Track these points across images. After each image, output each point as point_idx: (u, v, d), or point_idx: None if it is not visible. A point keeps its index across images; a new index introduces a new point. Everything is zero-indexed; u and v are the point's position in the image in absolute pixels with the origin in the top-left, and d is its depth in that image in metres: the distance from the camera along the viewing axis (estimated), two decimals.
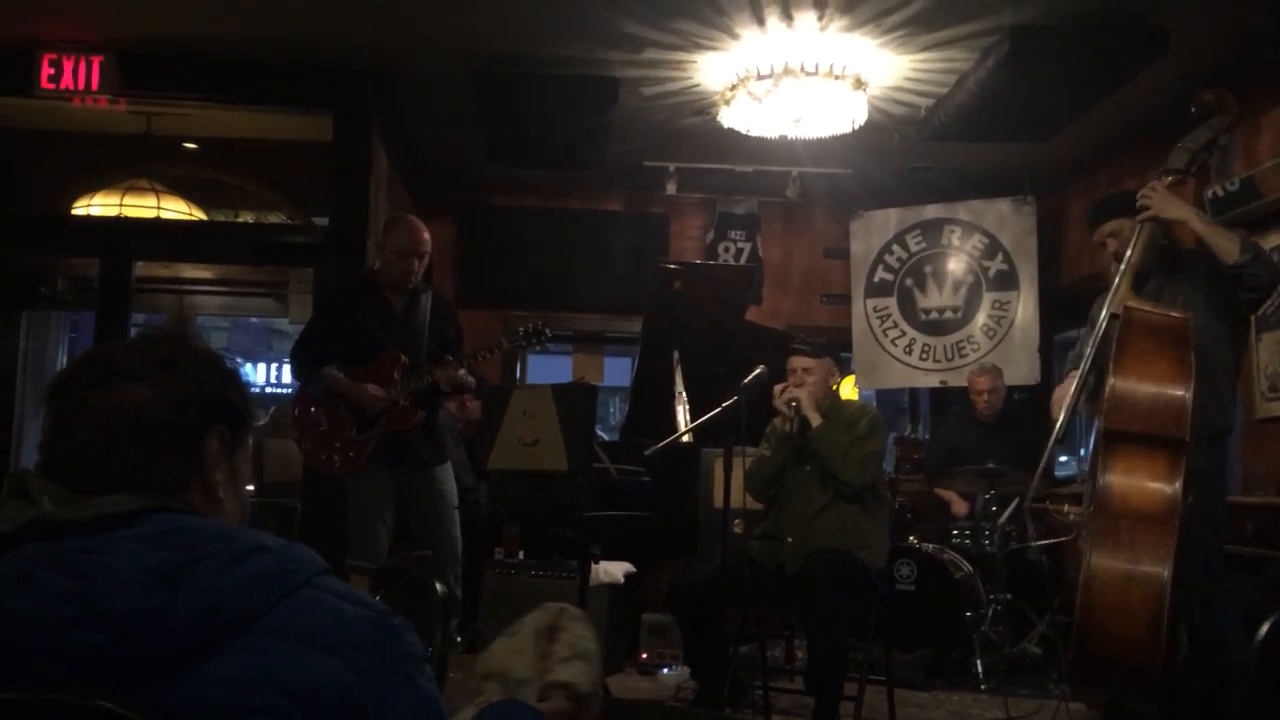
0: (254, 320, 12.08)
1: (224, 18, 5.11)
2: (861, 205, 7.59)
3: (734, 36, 5.13)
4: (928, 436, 7.79)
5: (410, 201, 6.85)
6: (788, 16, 4.91)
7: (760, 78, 5.29)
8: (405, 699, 1.08)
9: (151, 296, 7.45)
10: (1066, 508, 5.21)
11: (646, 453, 4.67)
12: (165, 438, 1.15)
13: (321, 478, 4.81)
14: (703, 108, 6.01)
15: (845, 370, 6.29)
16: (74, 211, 6.46)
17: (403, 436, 4.41)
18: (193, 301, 7.93)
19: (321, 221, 6.19)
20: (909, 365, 7.46)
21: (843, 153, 6.54)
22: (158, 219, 6.41)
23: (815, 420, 4.05)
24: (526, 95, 5.53)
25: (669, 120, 6.32)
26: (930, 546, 5.38)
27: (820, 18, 4.91)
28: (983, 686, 4.85)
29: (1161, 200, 3.45)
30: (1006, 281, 7.25)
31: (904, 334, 7.48)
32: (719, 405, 4.19)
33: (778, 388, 4.14)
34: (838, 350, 4.64)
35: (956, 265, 7.40)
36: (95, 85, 5.40)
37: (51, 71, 5.38)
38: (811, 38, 5.10)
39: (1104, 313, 3.44)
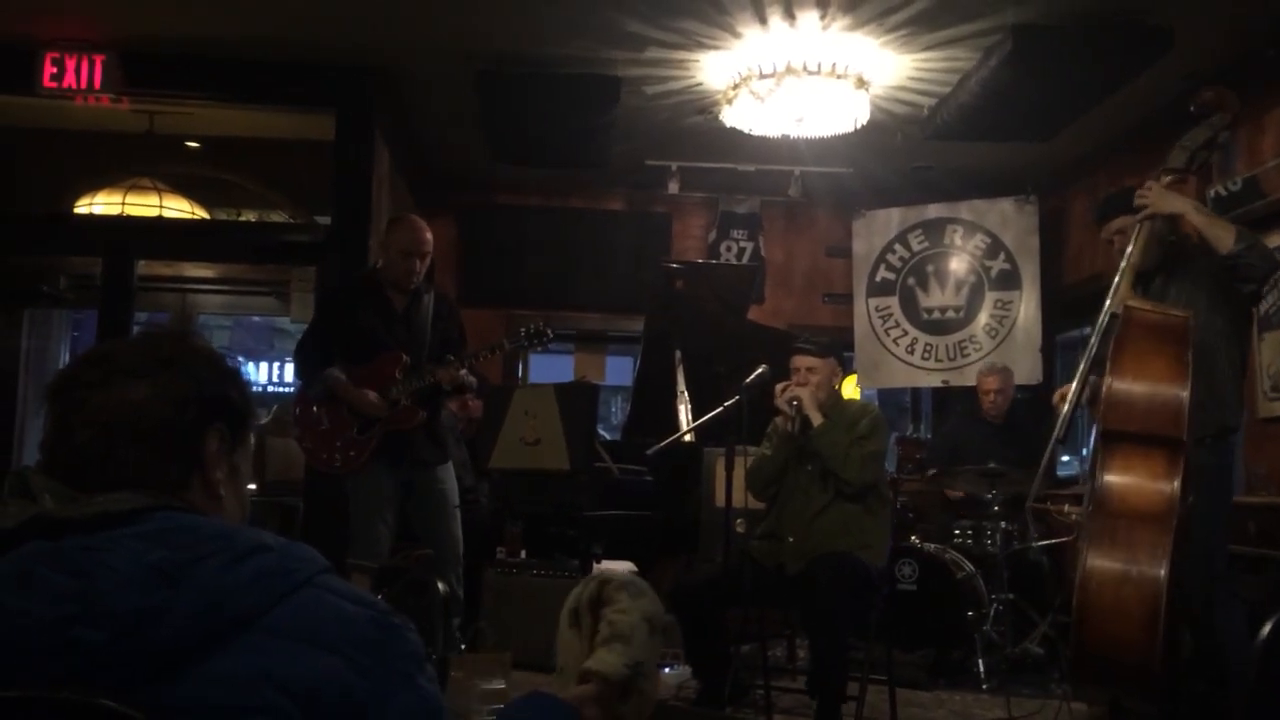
0: (256, 319, 12.09)
1: (226, 17, 5.11)
2: (864, 204, 7.59)
3: (736, 35, 5.13)
4: (929, 436, 7.79)
5: (412, 201, 6.86)
6: (790, 15, 4.91)
7: (763, 77, 5.29)
8: (406, 698, 1.08)
9: (154, 295, 7.46)
10: (1067, 508, 5.22)
11: (648, 452, 4.67)
12: (165, 437, 1.15)
13: (323, 477, 4.82)
14: (705, 107, 6.01)
15: (847, 370, 6.28)
16: (76, 210, 6.47)
17: (404, 436, 4.41)
18: (195, 300, 7.94)
19: (323, 220, 6.19)
20: (911, 365, 7.46)
21: (845, 152, 6.54)
22: (160, 218, 6.42)
23: (816, 419, 4.05)
24: (528, 94, 5.53)
25: (671, 119, 6.32)
26: (932, 546, 5.37)
27: (823, 17, 4.91)
28: (984, 686, 4.84)
29: (1158, 197, 3.46)
30: (1009, 281, 7.25)
31: (906, 333, 7.47)
32: (721, 405, 4.19)
33: (779, 386, 4.14)
34: (841, 350, 4.64)
35: (959, 265, 7.39)
36: (98, 84, 5.40)
37: (54, 70, 5.38)
38: (814, 37, 5.10)
39: (1104, 312, 3.45)
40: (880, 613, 4.02)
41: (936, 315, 7.43)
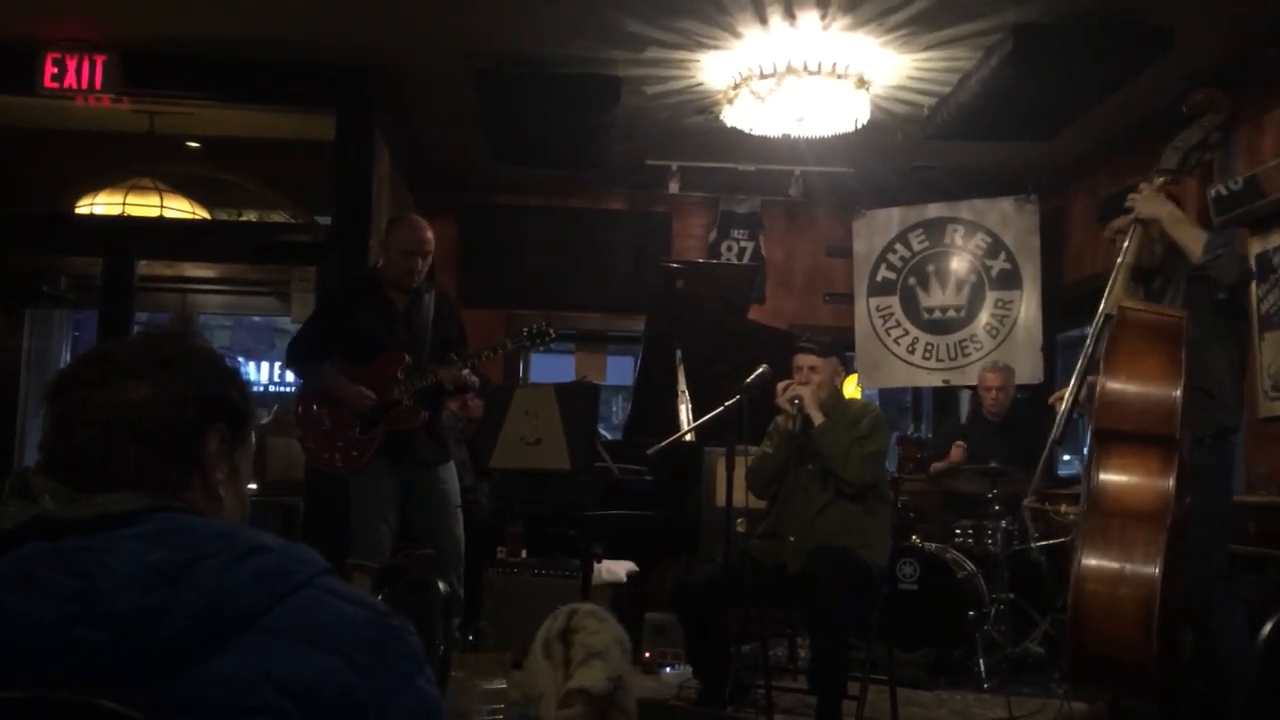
0: (256, 319, 12.07)
1: (227, 17, 5.11)
2: (864, 204, 7.58)
3: (737, 35, 5.13)
4: (930, 435, 7.79)
5: (412, 200, 6.86)
6: (790, 15, 4.91)
7: (763, 77, 5.28)
8: (406, 699, 1.08)
9: (154, 295, 7.46)
10: (1064, 507, 5.22)
11: (649, 452, 4.67)
12: (165, 437, 1.15)
13: (324, 476, 4.81)
14: (705, 107, 6.01)
15: (848, 369, 6.28)
16: (77, 210, 6.47)
17: (406, 436, 4.41)
18: (195, 300, 7.94)
19: (324, 220, 6.19)
20: (912, 364, 7.46)
21: (845, 151, 6.54)
22: (160, 218, 6.42)
23: (818, 418, 4.06)
24: (528, 94, 5.53)
25: (672, 119, 6.32)
26: (933, 546, 5.38)
27: (823, 16, 4.91)
28: (985, 686, 4.84)
29: (1144, 201, 3.54)
30: (1009, 280, 7.25)
31: (907, 333, 7.47)
32: (722, 404, 4.19)
33: (781, 385, 4.15)
34: (842, 349, 4.64)
35: (959, 264, 7.39)
36: (98, 84, 5.40)
37: (55, 70, 5.38)
38: (814, 37, 5.10)
39: (1099, 313, 3.48)
40: (881, 612, 4.02)
41: (937, 315, 7.43)
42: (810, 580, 3.82)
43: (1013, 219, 7.27)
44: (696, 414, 5.40)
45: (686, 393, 5.93)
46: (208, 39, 5.37)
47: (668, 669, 5.10)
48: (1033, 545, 5.34)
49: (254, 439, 1.31)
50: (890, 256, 7.54)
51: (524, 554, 5.38)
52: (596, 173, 7.03)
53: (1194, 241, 3.48)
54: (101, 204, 6.48)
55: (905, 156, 6.88)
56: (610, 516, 4.83)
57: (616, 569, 5.29)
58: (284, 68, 5.64)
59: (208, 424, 1.19)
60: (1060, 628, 4.90)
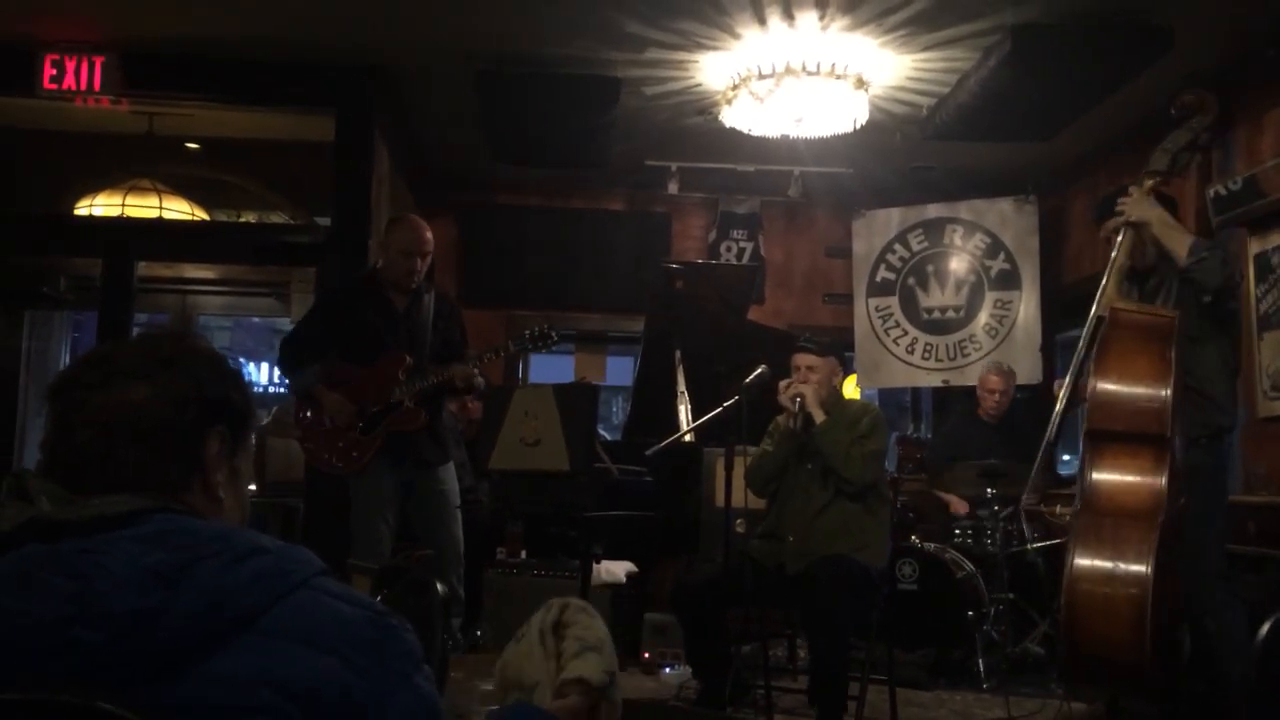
0: (256, 320, 12.10)
1: (226, 17, 5.11)
2: (863, 204, 7.59)
3: (735, 36, 5.13)
4: (930, 436, 7.79)
5: (412, 201, 6.86)
6: (789, 16, 4.91)
7: (762, 77, 5.29)
8: (404, 698, 1.08)
9: (154, 296, 7.47)
10: (1059, 508, 5.23)
11: (648, 452, 4.67)
12: (165, 438, 1.15)
13: (324, 477, 4.82)
14: (704, 107, 6.01)
15: (847, 370, 6.29)
16: (76, 211, 6.47)
17: (407, 436, 4.42)
18: (195, 301, 7.94)
19: (323, 221, 6.19)
20: (911, 365, 7.46)
21: (844, 152, 6.54)
22: (160, 219, 6.42)
23: (819, 417, 4.06)
24: (528, 94, 5.53)
25: (671, 120, 6.32)
26: (932, 546, 5.37)
27: (822, 17, 4.91)
28: (985, 686, 4.84)
29: (1133, 204, 3.58)
30: (1008, 281, 7.25)
31: (906, 333, 7.48)
32: (721, 405, 4.19)
33: (782, 383, 4.15)
34: (842, 350, 4.64)
35: (958, 264, 7.39)
36: (97, 85, 5.41)
37: (54, 72, 5.38)
38: (813, 37, 5.10)
39: (1091, 315, 3.50)
40: (881, 612, 4.02)
41: (936, 315, 7.43)
42: (810, 581, 3.82)
43: (1012, 219, 7.27)
44: (696, 414, 5.40)
45: (686, 393, 5.94)
46: (207, 39, 5.37)
47: (667, 669, 5.10)
48: (1029, 547, 5.34)
49: (254, 440, 1.31)
50: (889, 257, 7.55)
51: (524, 555, 5.38)
52: (596, 173, 7.04)
53: (1179, 245, 3.52)
54: (100, 205, 6.48)
55: (904, 157, 6.89)
56: (610, 517, 4.82)
57: (616, 569, 5.29)
58: (283, 68, 5.63)
59: (208, 426, 1.19)
60: (1059, 628, 4.91)
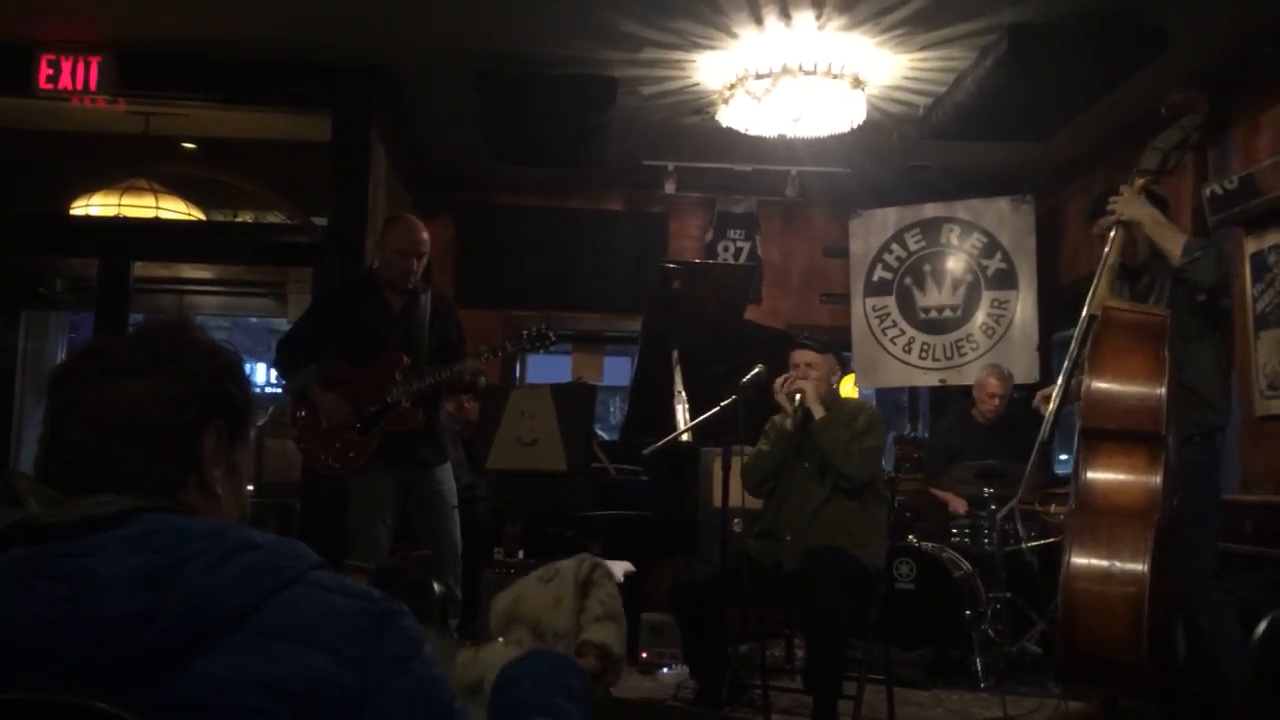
0: (253, 320, 12.08)
1: (223, 17, 5.10)
2: (860, 204, 7.59)
3: (732, 36, 5.13)
4: (927, 435, 7.80)
5: (409, 201, 6.85)
6: (786, 16, 4.91)
7: (759, 77, 5.29)
8: (402, 683, 1.06)
9: (151, 297, 7.46)
10: (1054, 508, 5.24)
11: (645, 452, 4.67)
12: (163, 435, 1.13)
13: (321, 478, 4.81)
14: (701, 107, 6.01)
15: (845, 369, 6.29)
16: (72, 212, 6.46)
17: (404, 436, 4.41)
18: (192, 301, 7.94)
19: (320, 221, 6.19)
20: (908, 364, 7.47)
21: (841, 152, 6.55)
22: (156, 219, 6.41)
23: (819, 412, 4.07)
24: (527, 94, 5.53)
25: (668, 119, 6.32)
26: (929, 545, 5.38)
27: (818, 17, 4.91)
28: (982, 685, 4.84)
29: (1124, 203, 3.61)
30: (1005, 280, 7.26)
31: (903, 333, 7.48)
32: (718, 405, 4.20)
33: (779, 380, 4.15)
34: (840, 349, 4.64)
35: (955, 264, 7.40)
36: (93, 85, 5.39)
37: (50, 72, 5.37)
38: (810, 37, 5.10)
39: (1084, 314, 3.51)
40: (878, 612, 4.02)
41: (933, 314, 7.43)
42: (807, 580, 3.82)
43: (1009, 219, 7.28)
44: (693, 414, 5.40)
45: (683, 393, 5.94)
46: (204, 39, 5.36)
47: (665, 669, 5.10)
48: (1024, 546, 5.35)
49: (252, 435, 1.29)
50: (886, 256, 7.55)
51: (521, 554, 5.37)
52: (593, 173, 7.04)
53: (1173, 244, 3.54)
54: (97, 205, 6.46)
55: (901, 157, 6.89)
56: (607, 517, 4.83)
57: (613, 569, 5.29)
58: (281, 68, 5.63)
59: (206, 421, 1.17)
60: (1056, 627, 4.91)
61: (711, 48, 5.28)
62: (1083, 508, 3.15)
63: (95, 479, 1.10)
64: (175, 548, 1.02)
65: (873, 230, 7.60)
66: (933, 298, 7.43)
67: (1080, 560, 3.03)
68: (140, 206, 6.45)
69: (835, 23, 4.97)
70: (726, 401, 4.09)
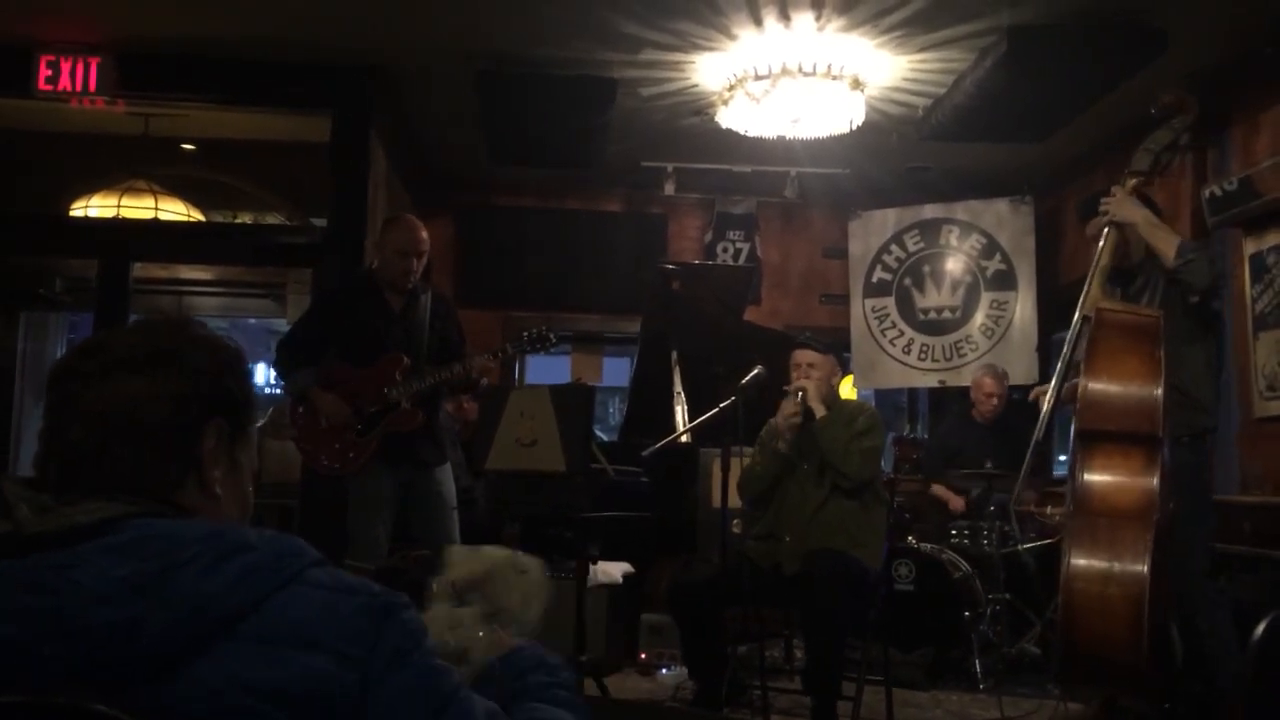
0: (252, 321, 12.07)
1: (223, 18, 5.10)
2: (860, 205, 7.59)
3: (731, 37, 5.13)
4: (926, 436, 7.80)
5: (409, 201, 6.86)
6: (785, 17, 4.91)
7: (758, 78, 5.29)
8: (402, 678, 1.05)
9: (150, 297, 7.45)
10: (1049, 509, 5.24)
11: (644, 453, 4.66)
12: (162, 435, 1.11)
13: (320, 478, 4.81)
14: (701, 108, 6.01)
15: (844, 370, 6.29)
16: (72, 212, 6.46)
17: (404, 437, 4.41)
18: (191, 302, 7.93)
19: (320, 222, 6.18)
20: (907, 365, 7.47)
21: (841, 153, 6.55)
22: (156, 220, 6.41)
23: (820, 411, 4.08)
24: (527, 95, 5.53)
25: (667, 120, 6.32)
26: (929, 546, 5.38)
27: (818, 18, 4.91)
28: (981, 686, 4.85)
29: (1117, 205, 3.62)
30: (1004, 281, 7.26)
31: (902, 334, 7.48)
32: (718, 405, 4.20)
33: (781, 408, 4.15)
34: (841, 350, 4.65)
35: (955, 265, 7.40)
36: (93, 87, 5.39)
37: (49, 73, 5.37)
38: (809, 38, 5.10)
39: (1076, 316, 3.51)
40: (877, 613, 4.02)
41: (933, 316, 7.43)
42: (806, 580, 3.82)
43: (1008, 220, 7.28)
44: (692, 415, 5.40)
45: (682, 394, 5.94)
46: (203, 40, 5.36)
47: (664, 670, 5.11)
48: (1020, 548, 5.35)
49: (254, 432, 1.27)
50: (886, 258, 7.55)
51: None
52: (593, 173, 7.04)
53: (1167, 246, 3.55)
54: (96, 206, 6.47)
55: (900, 158, 6.89)
56: (606, 518, 4.81)
57: (613, 570, 5.29)
58: (281, 69, 5.62)
59: (206, 419, 1.15)
60: (1055, 628, 4.91)
61: (711, 49, 5.28)
62: (1081, 509, 3.16)
63: (94, 479, 1.09)
64: (166, 554, 1.01)
65: (872, 231, 7.60)
66: (932, 299, 7.44)
67: (1080, 561, 3.03)
68: (140, 207, 6.45)
69: (834, 24, 4.97)
70: (726, 402, 4.09)
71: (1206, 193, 5.27)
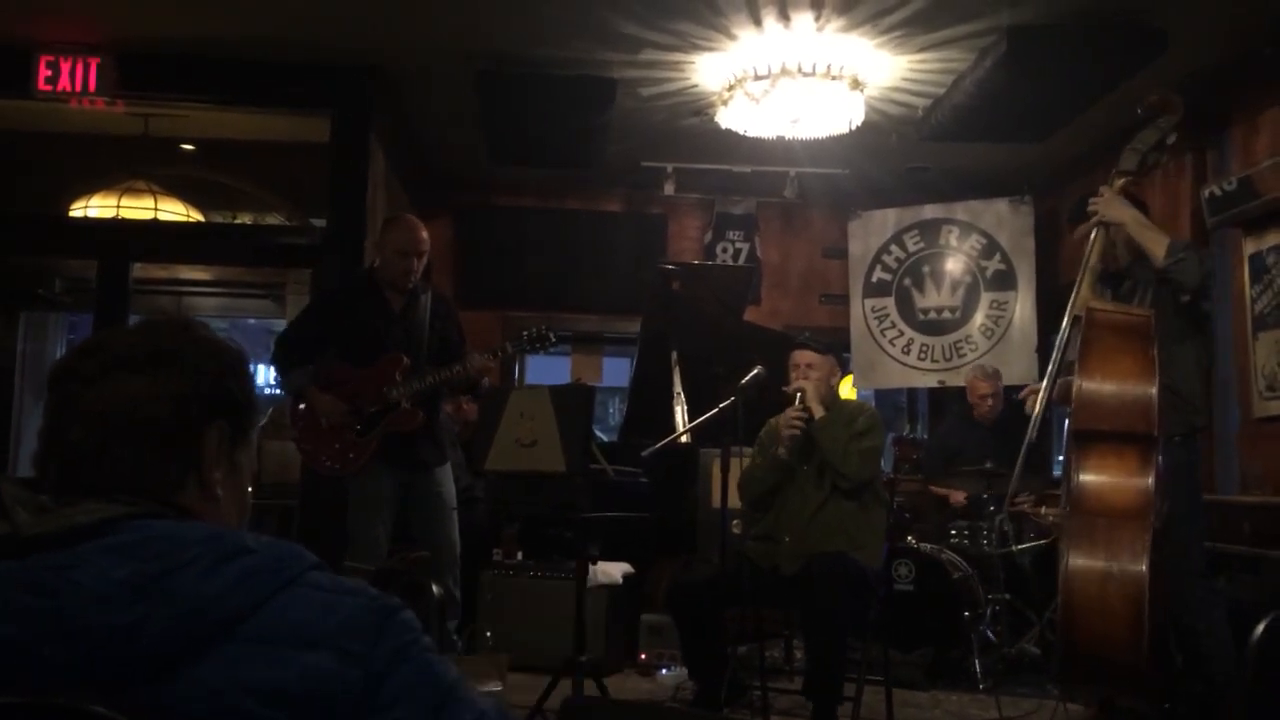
0: (252, 321, 12.07)
1: (222, 18, 5.10)
2: (859, 205, 7.59)
3: (731, 37, 5.13)
4: (926, 436, 7.80)
5: (408, 201, 6.85)
6: (785, 17, 4.91)
7: (758, 78, 5.29)
8: (404, 672, 1.04)
9: (150, 298, 7.46)
10: (1044, 509, 5.25)
11: (644, 453, 4.66)
12: (163, 435, 1.11)
13: (320, 479, 4.81)
14: (700, 108, 6.01)
15: (844, 370, 6.30)
16: (72, 213, 6.46)
17: (404, 437, 4.41)
18: (191, 303, 7.94)
19: (319, 223, 6.18)
20: (907, 365, 7.47)
21: (840, 153, 6.55)
22: (155, 220, 6.41)
23: (818, 412, 4.08)
24: (526, 95, 5.53)
25: (667, 121, 6.32)
26: (928, 547, 5.38)
27: (817, 18, 4.92)
28: (981, 687, 4.84)
29: (1106, 205, 3.61)
30: (1004, 281, 7.26)
31: (902, 334, 7.48)
32: (717, 406, 4.20)
33: (785, 417, 4.15)
34: (840, 351, 4.64)
35: (954, 265, 7.40)
36: (92, 87, 5.39)
37: (49, 73, 5.37)
38: (809, 38, 5.10)
39: (1066, 316, 3.52)
40: (877, 613, 4.02)
41: (932, 316, 7.43)
42: (806, 581, 3.82)
43: (1008, 220, 7.29)
44: (692, 415, 5.40)
45: (682, 394, 5.94)
46: (203, 40, 5.36)
47: (664, 671, 5.11)
48: (1014, 549, 5.35)
49: (255, 434, 1.27)
50: (885, 258, 7.55)
51: (520, 556, 5.38)
52: (593, 174, 7.04)
53: (1157, 245, 3.54)
54: (96, 207, 6.47)
55: (900, 158, 6.89)
56: (606, 518, 4.82)
57: (612, 570, 5.29)
58: (280, 69, 5.62)
59: (207, 421, 1.14)
60: (1054, 628, 4.91)
61: (710, 49, 5.28)
62: (1078, 510, 3.16)
63: (94, 479, 1.08)
64: (164, 556, 1.00)
65: (872, 231, 7.60)
66: (932, 299, 7.44)
67: (1079, 562, 3.03)
68: (139, 208, 6.45)
69: (834, 24, 4.97)
70: (725, 403, 4.09)
71: (1206, 193, 5.27)
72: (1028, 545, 5.38)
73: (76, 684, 0.95)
